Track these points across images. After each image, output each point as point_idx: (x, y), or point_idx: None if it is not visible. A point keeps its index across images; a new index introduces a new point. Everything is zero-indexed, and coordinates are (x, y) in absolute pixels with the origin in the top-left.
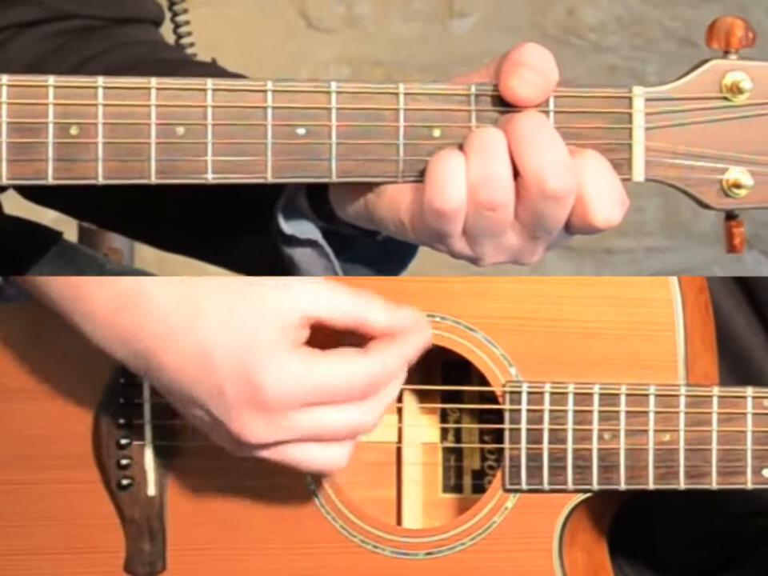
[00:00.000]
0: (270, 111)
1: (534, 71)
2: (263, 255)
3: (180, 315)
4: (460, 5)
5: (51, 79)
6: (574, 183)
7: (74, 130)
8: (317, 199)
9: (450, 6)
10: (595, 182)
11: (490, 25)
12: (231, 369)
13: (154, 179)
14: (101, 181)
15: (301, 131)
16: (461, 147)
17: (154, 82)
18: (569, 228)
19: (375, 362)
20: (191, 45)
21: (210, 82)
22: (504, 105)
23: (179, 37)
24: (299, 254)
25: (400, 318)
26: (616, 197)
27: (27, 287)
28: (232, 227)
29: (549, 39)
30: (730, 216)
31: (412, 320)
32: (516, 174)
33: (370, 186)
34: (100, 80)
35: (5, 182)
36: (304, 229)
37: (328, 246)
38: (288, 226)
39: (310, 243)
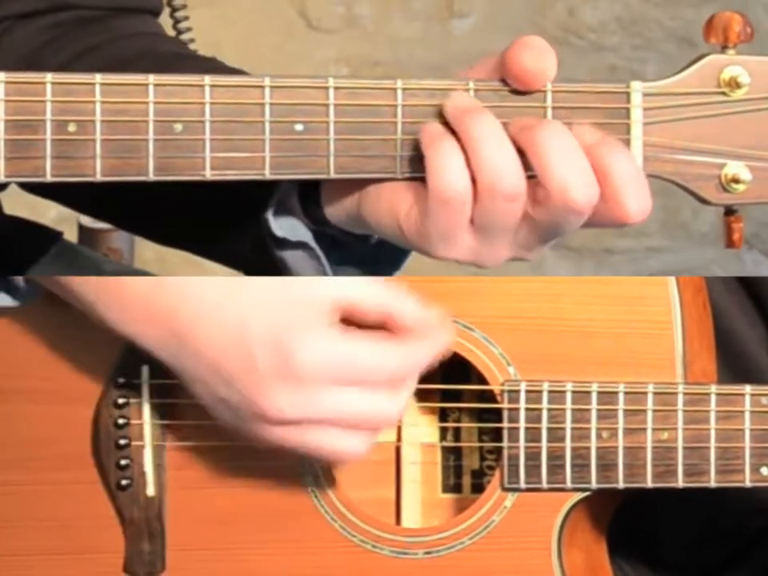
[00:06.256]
0: (267, 107)
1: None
2: (255, 253)
3: (217, 292)
4: (460, 5)
5: (49, 76)
6: (597, 195)
7: (71, 127)
8: (309, 203)
9: (450, 6)
10: (627, 179)
11: (490, 25)
12: (266, 341)
13: (152, 176)
14: (99, 178)
15: (299, 127)
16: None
17: (151, 78)
18: (596, 224)
19: (408, 351)
20: (191, 41)
21: (207, 79)
22: (502, 101)
23: (179, 32)
24: (290, 257)
25: (429, 315)
26: (646, 191)
27: (42, 279)
28: (224, 225)
29: (549, 39)
30: (729, 211)
31: (439, 320)
32: (532, 174)
33: (364, 192)
34: (98, 77)
35: (3, 179)
36: (295, 231)
37: (319, 249)
38: (279, 229)
39: (302, 245)
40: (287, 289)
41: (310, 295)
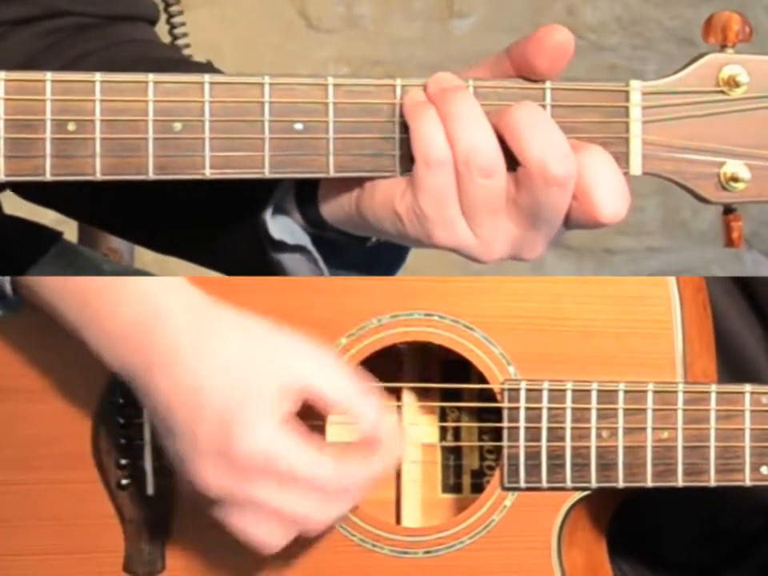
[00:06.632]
0: (267, 106)
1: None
2: (252, 256)
3: (188, 344)
4: (460, 5)
5: (49, 75)
6: (575, 169)
7: (71, 126)
8: (306, 205)
9: (450, 6)
10: (600, 177)
11: (490, 25)
12: (215, 414)
13: (151, 175)
14: (98, 177)
15: (298, 126)
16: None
17: (151, 77)
18: (572, 222)
19: (348, 469)
20: (187, 46)
21: (207, 77)
22: (500, 100)
23: (175, 38)
24: (288, 260)
25: (386, 425)
26: (621, 192)
27: (28, 293)
28: (221, 226)
29: None
30: (728, 210)
31: (395, 433)
32: (516, 162)
33: (360, 189)
34: (97, 75)
35: (2, 178)
36: (293, 234)
37: (317, 252)
38: (277, 232)
39: (299, 249)
40: (260, 358)
41: (276, 376)
